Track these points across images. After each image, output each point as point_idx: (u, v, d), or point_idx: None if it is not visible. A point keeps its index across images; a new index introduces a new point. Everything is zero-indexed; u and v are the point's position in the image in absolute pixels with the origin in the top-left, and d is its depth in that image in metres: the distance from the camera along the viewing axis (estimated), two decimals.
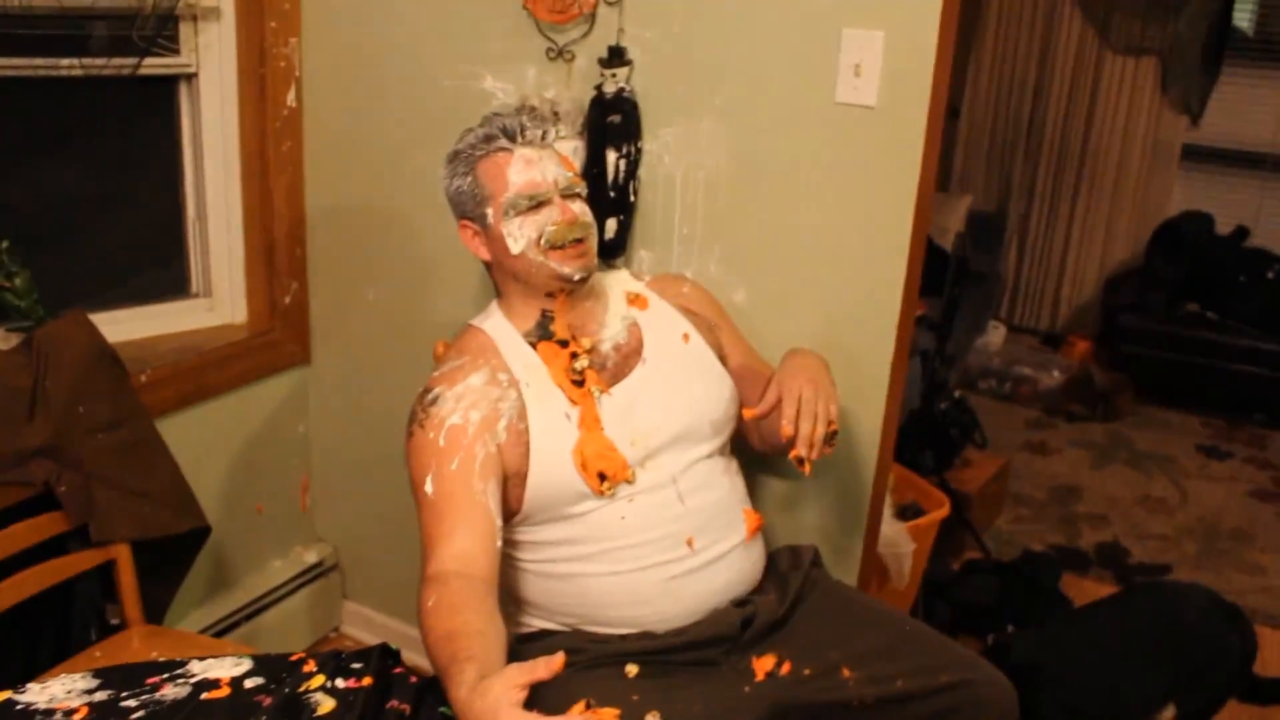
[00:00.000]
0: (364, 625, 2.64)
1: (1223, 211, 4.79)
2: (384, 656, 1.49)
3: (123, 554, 1.86)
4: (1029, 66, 5.09)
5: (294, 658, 1.49)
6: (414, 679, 1.45)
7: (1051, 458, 4.07)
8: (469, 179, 1.65)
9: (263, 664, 1.48)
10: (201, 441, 2.25)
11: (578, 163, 1.94)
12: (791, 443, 1.54)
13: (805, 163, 1.84)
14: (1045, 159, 5.14)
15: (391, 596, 2.59)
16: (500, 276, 1.70)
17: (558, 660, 1.09)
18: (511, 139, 1.63)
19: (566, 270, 1.62)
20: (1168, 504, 3.75)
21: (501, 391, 1.58)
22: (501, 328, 1.67)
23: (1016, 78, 5.12)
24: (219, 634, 2.33)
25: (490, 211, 1.63)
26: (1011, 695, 1.61)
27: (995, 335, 4.88)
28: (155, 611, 2.00)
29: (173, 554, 1.98)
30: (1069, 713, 1.80)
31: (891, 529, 2.50)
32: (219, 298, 2.37)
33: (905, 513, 2.71)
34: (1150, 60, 4.82)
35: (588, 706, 1.37)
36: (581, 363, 1.63)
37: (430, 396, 1.57)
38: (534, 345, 1.65)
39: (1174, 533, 3.54)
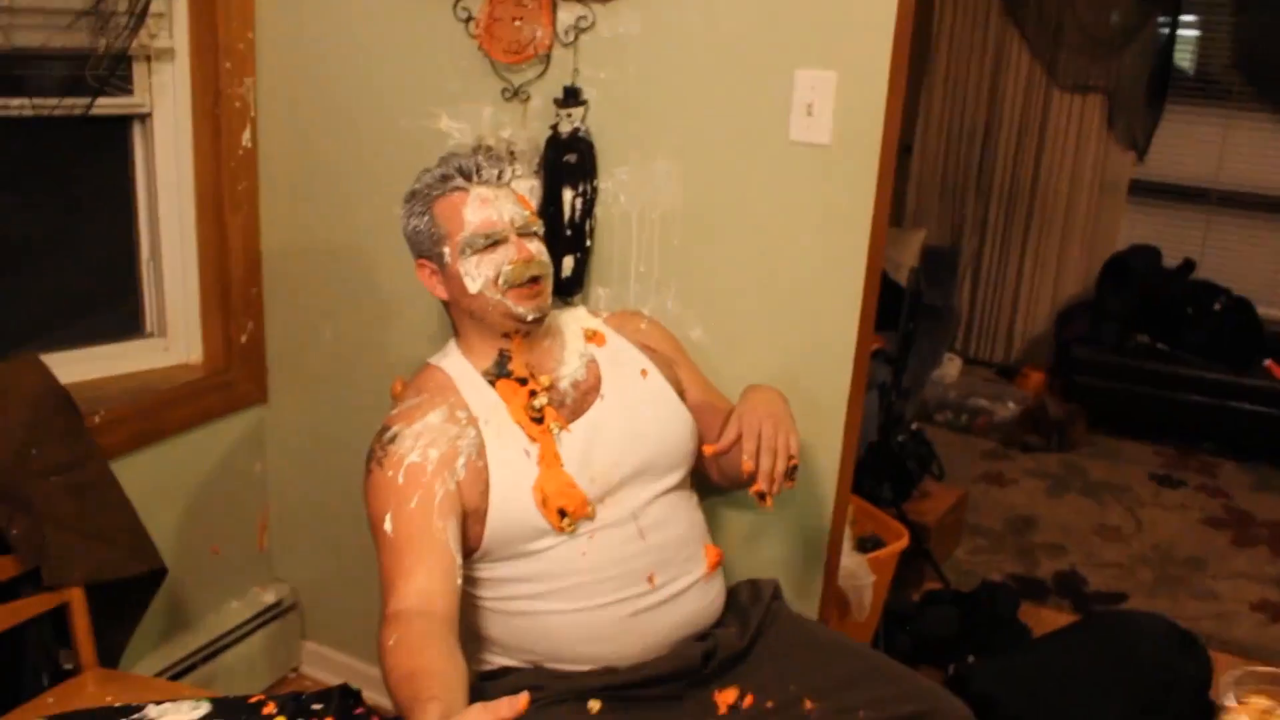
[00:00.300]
0: (324, 665, 2.61)
1: (1169, 245, 4.91)
2: (344, 697, 1.48)
3: (76, 597, 1.83)
4: (979, 103, 5.19)
5: (253, 699, 1.47)
6: (376, 718, 1.44)
7: (1008, 488, 4.12)
8: (426, 218, 1.66)
9: (221, 707, 1.47)
10: (157, 482, 2.22)
11: (534, 202, 1.96)
12: (753, 478, 1.56)
13: (760, 200, 1.87)
14: (997, 194, 5.24)
15: (351, 636, 2.56)
16: (458, 315, 1.71)
17: (522, 700, 1.09)
18: (468, 178, 1.64)
19: (521, 310, 1.63)
20: (1123, 532, 3.80)
21: (460, 429, 1.59)
22: (459, 366, 1.67)
23: (967, 114, 5.23)
24: (176, 676, 2.30)
25: (447, 250, 1.64)
26: None
27: (951, 368, 4.94)
28: (110, 655, 1.96)
29: (128, 596, 1.95)
30: None
31: (852, 561, 2.52)
32: (174, 337, 2.35)
33: (865, 545, 2.73)
34: (1097, 97, 4.94)
35: None
36: (540, 400, 1.64)
37: (389, 435, 1.57)
38: (492, 383, 1.65)
39: (1129, 561, 3.59)
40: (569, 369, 1.71)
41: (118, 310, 2.33)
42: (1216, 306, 4.64)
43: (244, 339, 2.37)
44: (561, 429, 1.64)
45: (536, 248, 1.66)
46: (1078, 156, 5.03)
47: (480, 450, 1.58)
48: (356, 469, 2.36)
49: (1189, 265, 4.84)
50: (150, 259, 2.30)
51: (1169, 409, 4.58)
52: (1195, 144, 4.95)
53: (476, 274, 1.62)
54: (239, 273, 2.32)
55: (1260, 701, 1.01)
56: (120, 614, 1.97)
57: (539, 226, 1.70)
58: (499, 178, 1.67)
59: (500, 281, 1.62)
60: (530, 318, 1.65)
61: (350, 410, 2.37)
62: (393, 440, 1.56)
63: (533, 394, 1.65)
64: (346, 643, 2.58)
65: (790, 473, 1.58)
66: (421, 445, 1.54)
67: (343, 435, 2.40)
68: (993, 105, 5.16)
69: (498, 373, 1.67)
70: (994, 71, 5.14)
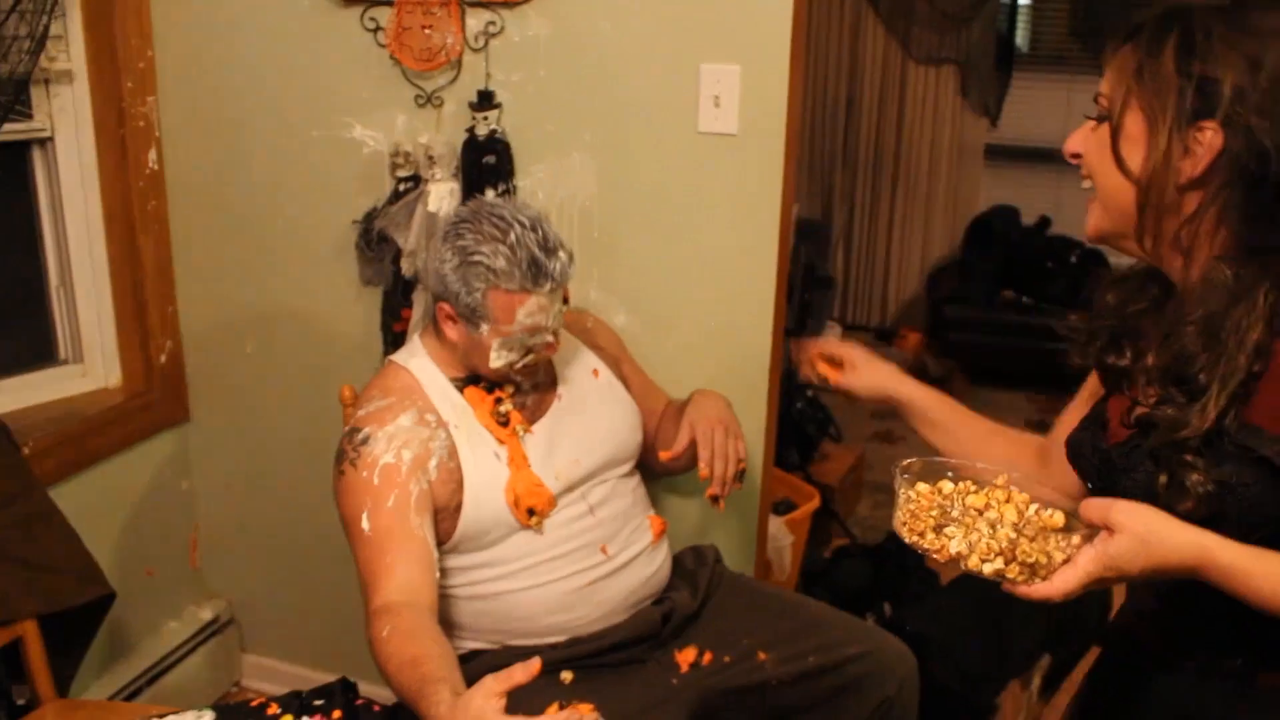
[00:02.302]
0: (265, 676, 2.62)
1: (1026, 204, 5.20)
2: (345, 690, 1.53)
3: (30, 630, 1.82)
4: (840, 79, 5.40)
5: (254, 703, 1.51)
6: (377, 707, 1.49)
7: (898, 445, 4.33)
8: (477, 295, 1.60)
9: (225, 714, 1.50)
10: (87, 509, 2.19)
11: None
12: (707, 482, 1.71)
13: (673, 189, 1.97)
14: (862, 165, 5.47)
15: (290, 644, 2.59)
16: (449, 345, 1.71)
17: (535, 664, 1.17)
18: (538, 284, 1.59)
19: (518, 380, 1.72)
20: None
21: (431, 431, 1.65)
22: (428, 370, 1.72)
23: (830, 90, 5.43)
24: (123, 701, 2.29)
25: (486, 328, 1.63)
26: (911, 660, 1.78)
27: (832, 334, 5.13)
28: (61, 685, 1.95)
29: (76, 624, 1.95)
30: (961, 674, 1.98)
31: (772, 524, 2.66)
32: (90, 362, 2.33)
33: (779, 508, 2.88)
34: (949, 69, 5.20)
35: (560, 708, 1.45)
36: (505, 405, 1.72)
37: (361, 436, 1.62)
38: (460, 389, 1.72)
39: None
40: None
41: (28, 338, 2.30)
42: (1073, 259, 4.94)
43: (163, 359, 2.36)
44: (525, 431, 1.72)
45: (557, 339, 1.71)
46: (936, 125, 5.29)
47: (452, 452, 1.65)
48: (284, 479, 2.41)
49: (1045, 222, 5.14)
50: (60, 285, 2.27)
51: (1038, 359, 4.83)
52: (1042, 108, 5.26)
53: (504, 355, 1.65)
54: (153, 293, 2.32)
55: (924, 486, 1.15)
56: (69, 644, 1.96)
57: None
58: (563, 281, 1.63)
59: (519, 365, 1.67)
60: (520, 383, 1.73)
61: (275, 421, 2.39)
62: (365, 442, 1.61)
63: (498, 400, 1.72)
64: (286, 651, 2.61)
65: (739, 476, 1.74)
66: (395, 447, 1.60)
67: (268, 447, 2.43)
68: (853, 80, 5.38)
69: (466, 380, 1.73)
70: (852, 48, 5.35)
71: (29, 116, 2.15)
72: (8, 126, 2.09)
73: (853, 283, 5.65)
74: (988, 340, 4.93)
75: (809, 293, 3.16)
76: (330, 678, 1.79)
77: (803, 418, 3.49)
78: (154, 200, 2.28)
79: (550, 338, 1.65)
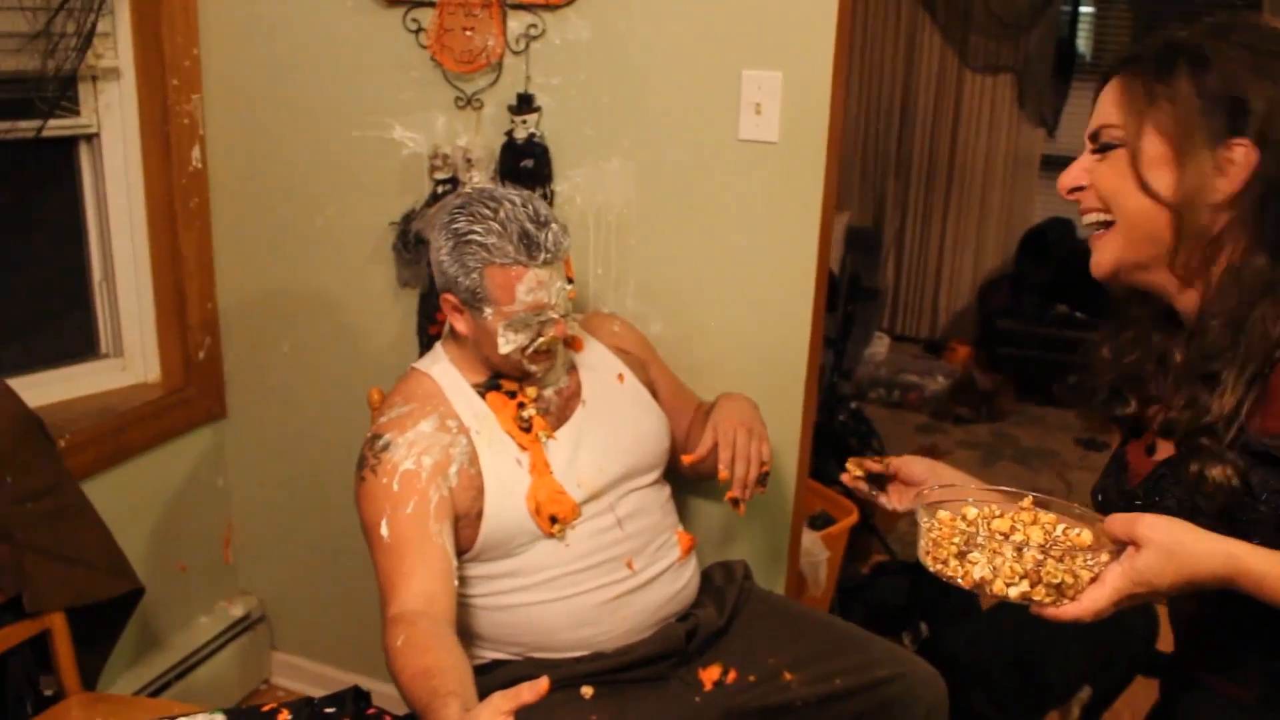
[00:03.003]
0: (294, 675, 2.63)
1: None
2: (357, 699, 1.52)
3: (58, 622, 1.83)
4: (895, 86, 5.34)
5: (266, 708, 1.50)
6: (388, 718, 1.48)
7: (943, 460, 4.22)
8: (475, 275, 1.61)
9: (236, 717, 1.49)
10: (122, 503, 2.22)
11: None
12: (728, 484, 1.66)
13: (712, 198, 1.94)
14: (915, 174, 5.40)
15: (321, 644, 2.59)
16: (467, 344, 1.71)
17: (542, 683, 1.15)
18: (532, 256, 1.59)
19: (533, 369, 1.69)
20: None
21: (452, 438, 1.64)
22: (450, 375, 1.71)
23: (884, 98, 5.37)
24: (151, 695, 2.30)
25: (489, 312, 1.63)
26: (941, 686, 1.73)
27: (880, 345, 5.08)
28: (88, 678, 1.96)
29: (105, 618, 1.96)
30: (996, 702, 1.92)
31: (807, 539, 2.61)
32: (130, 357, 2.35)
33: (816, 522, 2.83)
34: (1007, 77, 5.12)
35: None
36: (528, 411, 1.70)
37: (381, 443, 1.61)
38: (483, 395, 1.70)
39: None
40: (552, 377, 1.76)
41: (71, 332, 2.32)
42: None
43: (201, 355, 2.38)
44: (549, 437, 1.70)
45: (568, 322, 1.70)
46: (991, 134, 5.21)
47: (473, 459, 1.63)
48: (319, 478, 2.41)
49: None
50: (104, 279, 2.30)
51: None
52: None
53: (511, 340, 1.64)
54: (194, 290, 2.33)
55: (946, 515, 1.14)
56: (97, 637, 1.97)
57: (572, 300, 1.72)
58: (559, 252, 1.63)
59: (530, 350, 1.65)
60: (537, 376, 1.70)
61: (311, 421, 2.39)
62: (386, 448, 1.60)
63: (521, 405, 1.70)
64: (316, 651, 2.61)
65: (762, 479, 1.69)
66: (415, 453, 1.59)
67: (304, 446, 2.43)
68: (908, 88, 5.31)
69: (488, 386, 1.71)
70: (908, 55, 5.28)
71: (76, 113, 2.17)
72: (55, 122, 2.12)
73: (903, 293, 5.58)
74: (1039, 355, 4.82)
75: (853, 304, 3.11)
76: (359, 679, 1.77)
77: (845, 430, 3.44)
78: (196, 198, 2.29)
79: (555, 316, 1.64)
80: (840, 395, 3.32)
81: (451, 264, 1.62)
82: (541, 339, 1.65)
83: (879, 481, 1.52)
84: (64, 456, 2.02)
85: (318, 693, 1.88)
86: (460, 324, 1.68)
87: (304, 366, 2.38)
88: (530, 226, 1.59)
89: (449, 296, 1.66)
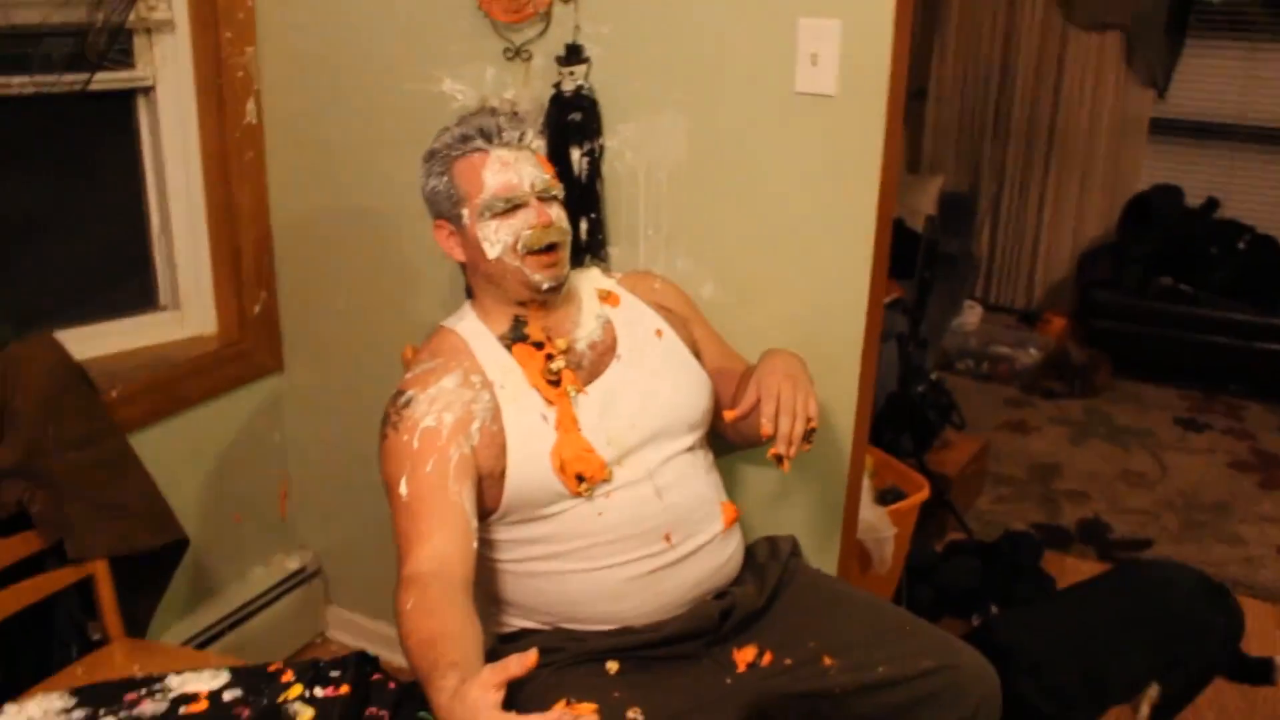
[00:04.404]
0: (349, 630, 2.64)
1: (1192, 184, 4.82)
2: (361, 664, 1.49)
3: (100, 570, 1.85)
4: (994, 46, 5.11)
5: (272, 668, 1.49)
6: (392, 685, 1.45)
7: (1031, 436, 4.09)
8: (444, 179, 1.64)
9: (240, 676, 1.48)
10: (177, 454, 2.24)
11: None
12: (771, 441, 1.55)
13: (767, 153, 1.84)
14: (1014, 137, 5.17)
15: (375, 600, 2.59)
16: (475, 279, 1.70)
17: (530, 656, 1.10)
18: (489, 140, 1.63)
19: (538, 278, 1.62)
20: (1148, 478, 3.77)
21: (474, 394, 1.58)
22: (475, 329, 1.66)
23: (982, 58, 5.14)
24: (203, 645, 2.33)
25: (466, 213, 1.63)
26: (993, 679, 1.62)
27: (971, 315, 4.90)
28: (137, 625, 1.99)
29: (152, 568, 1.98)
30: (1051, 694, 1.81)
31: (872, 514, 2.51)
32: (188, 310, 2.36)
33: (885, 497, 2.72)
34: (1114, 34, 4.84)
35: (568, 704, 1.38)
36: (558, 364, 1.63)
37: (403, 399, 1.57)
38: (509, 347, 1.65)
39: (1154, 506, 3.56)
40: (585, 331, 1.70)
41: (131, 284, 2.34)
42: (1241, 245, 4.57)
43: (257, 309, 2.37)
44: (578, 392, 1.63)
45: (556, 213, 1.65)
46: (1096, 96, 4.94)
47: (495, 414, 1.58)
48: (375, 434, 2.39)
49: (1212, 204, 4.77)
50: (161, 233, 2.30)
51: (1193, 351, 4.52)
52: (1218, 79, 4.83)
53: (495, 239, 1.61)
54: (250, 243, 2.32)
55: None
56: (145, 585, 1.99)
57: (559, 190, 1.68)
58: (520, 139, 1.65)
59: (519, 247, 1.60)
60: (546, 286, 1.64)
61: (366, 376, 2.37)
62: (407, 405, 1.56)
63: (549, 357, 1.64)
64: (371, 607, 2.61)
65: (808, 435, 1.56)
66: (436, 410, 1.54)
67: (359, 401, 2.40)
68: (1008, 47, 5.08)
69: (514, 337, 1.66)
70: (1008, 12, 5.04)
71: (131, 66, 2.17)
72: (112, 75, 2.13)
73: (998, 261, 5.36)
74: (1139, 329, 4.60)
75: (930, 270, 2.98)
76: None
77: (924, 403, 3.30)
78: (251, 151, 2.28)
79: (533, 201, 1.62)
80: (917, 365, 3.18)
81: (427, 182, 1.67)
82: (529, 231, 1.60)
83: None
84: (116, 408, 2.04)
85: (373, 649, 1.88)
86: (456, 250, 1.68)
87: (359, 321, 2.37)
88: (484, 117, 1.64)
89: (439, 224, 1.67)
